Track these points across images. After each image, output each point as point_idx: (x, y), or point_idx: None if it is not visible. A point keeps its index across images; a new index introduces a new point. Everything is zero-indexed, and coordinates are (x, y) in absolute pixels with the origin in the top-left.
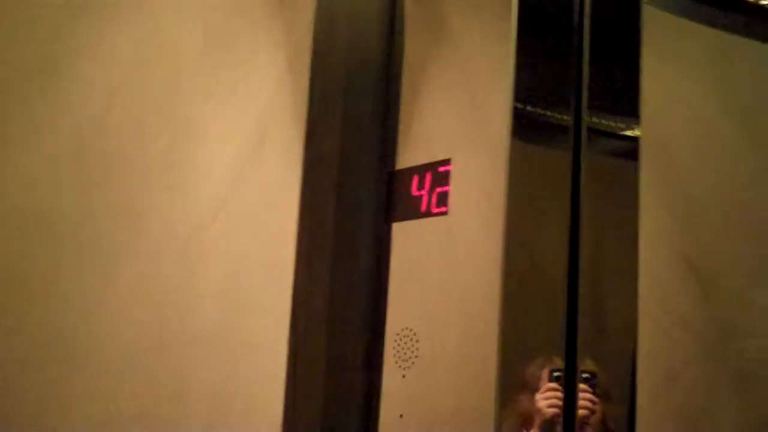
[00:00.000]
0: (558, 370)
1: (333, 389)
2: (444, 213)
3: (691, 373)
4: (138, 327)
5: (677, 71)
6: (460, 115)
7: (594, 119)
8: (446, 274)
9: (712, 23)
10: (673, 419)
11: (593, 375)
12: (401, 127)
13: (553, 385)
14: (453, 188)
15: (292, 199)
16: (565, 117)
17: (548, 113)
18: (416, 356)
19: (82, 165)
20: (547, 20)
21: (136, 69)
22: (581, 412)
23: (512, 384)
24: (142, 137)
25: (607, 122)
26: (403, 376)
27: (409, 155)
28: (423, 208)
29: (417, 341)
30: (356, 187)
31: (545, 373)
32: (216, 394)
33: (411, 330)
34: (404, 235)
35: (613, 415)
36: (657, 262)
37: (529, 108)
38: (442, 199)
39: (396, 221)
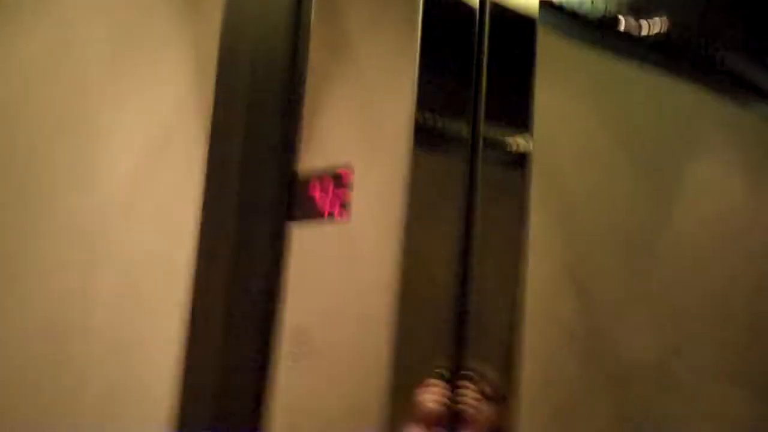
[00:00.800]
0: (442, 368)
1: (227, 386)
2: (344, 218)
3: (571, 377)
4: (39, 324)
5: (568, 91)
6: (362, 125)
7: (489, 132)
8: (344, 276)
9: (603, 49)
10: (554, 419)
11: (478, 374)
12: (304, 135)
13: (436, 381)
14: (353, 194)
15: (194, 202)
16: (462, 129)
17: (446, 125)
18: (311, 354)
19: None
20: (448, 37)
21: (45, 73)
22: (464, 408)
23: (404, 383)
24: (49, 140)
25: (501, 136)
26: (297, 374)
27: (312, 162)
28: (324, 212)
29: (312, 340)
30: (257, 190)
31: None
32: (112, 389)
33: (307, 329)
34: (304, 237)
35: (500, 414)
36: (543, 272)
37: (428, 119)
38: (343, 204)
39: (296, 224)
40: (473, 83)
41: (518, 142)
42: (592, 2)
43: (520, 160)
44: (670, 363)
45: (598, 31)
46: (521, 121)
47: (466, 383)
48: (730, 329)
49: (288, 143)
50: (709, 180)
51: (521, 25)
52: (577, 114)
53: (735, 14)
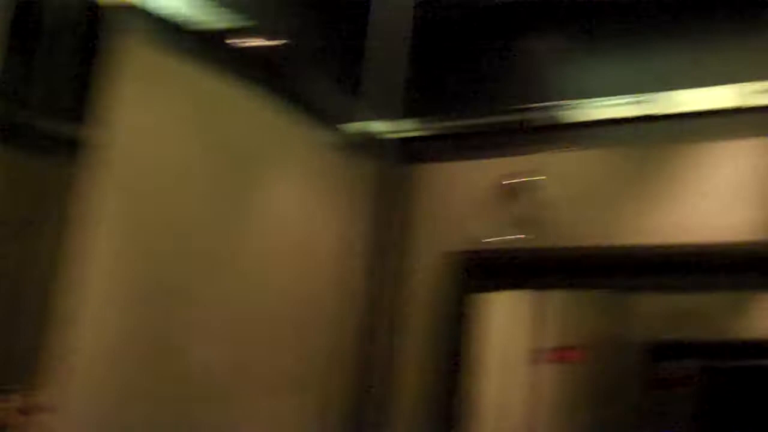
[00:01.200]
0: None
1: None
2: None
3: (129, 385)
4: None
5: (156, 97)
6: None
7: (60, 128)
8: None
9: (199, 59)
10: (102, 429)
11: (10, 387)
12: None
13: None
14: None
15: None
16: (31, 125)
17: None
18: None
19: None
20: (26, 31)
21: None
22: None
23: None
24: None
25: (69, 132)
26: None
27: None
28: None
29: None
30: None
31: None
32: None
33: None
34: None
35: (36, 427)
36: (105, 279)
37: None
38: None
39: None
40: (45, 79)
41: (87, 140)
42: (190, 12)
43: (84, 159)
44: (231, 372)
45: (193, 40)
46: (94, 120)
47: None
48: (295, 343)
49: None
50: (285, 196)
51: (101, 25)
52: (166, 122)
53: (327, 44)
